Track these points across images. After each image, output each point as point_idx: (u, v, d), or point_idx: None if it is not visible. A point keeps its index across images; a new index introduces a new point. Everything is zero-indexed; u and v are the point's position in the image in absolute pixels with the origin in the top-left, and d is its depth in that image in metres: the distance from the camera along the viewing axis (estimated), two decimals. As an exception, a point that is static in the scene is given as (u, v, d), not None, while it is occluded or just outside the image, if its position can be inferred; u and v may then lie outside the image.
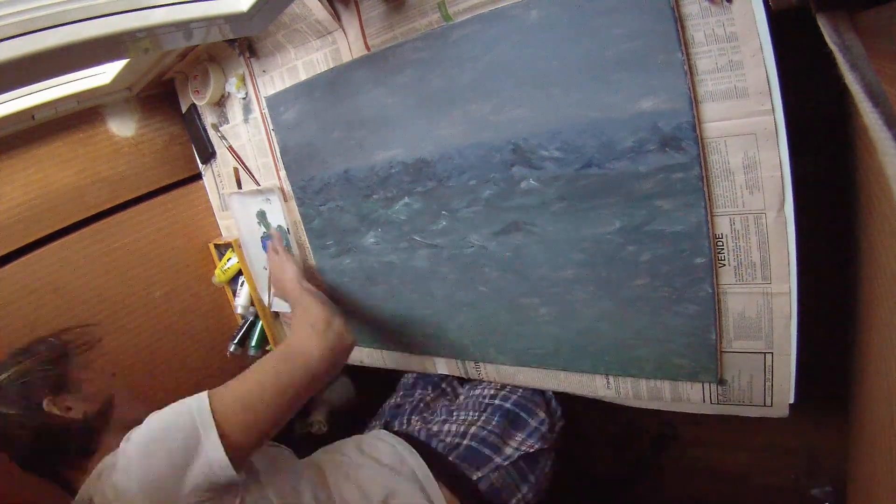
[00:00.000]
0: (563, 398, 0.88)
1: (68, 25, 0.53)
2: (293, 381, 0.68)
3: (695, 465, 1.20)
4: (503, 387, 0.89)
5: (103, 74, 0.98)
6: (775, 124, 0.53)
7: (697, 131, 0.56)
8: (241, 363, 1.25)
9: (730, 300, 0.62)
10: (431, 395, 1.03)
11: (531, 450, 0.80)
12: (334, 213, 0.95)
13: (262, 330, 1.23)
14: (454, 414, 0.88)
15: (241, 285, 1.24)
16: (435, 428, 0.86)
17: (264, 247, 1.12)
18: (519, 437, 0.81)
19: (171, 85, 1.19)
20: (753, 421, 0.67)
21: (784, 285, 0.58)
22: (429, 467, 0.77)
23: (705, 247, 0.60)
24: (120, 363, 1.11)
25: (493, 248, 0.77)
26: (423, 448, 0.81)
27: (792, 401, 0.63)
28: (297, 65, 0.90)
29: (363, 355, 1.08)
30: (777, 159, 0.54)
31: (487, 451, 0.79)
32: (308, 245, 1.04)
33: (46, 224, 1.05)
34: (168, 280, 1.20)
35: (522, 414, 0.83)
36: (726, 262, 0.60)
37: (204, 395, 0.64)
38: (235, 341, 1.24)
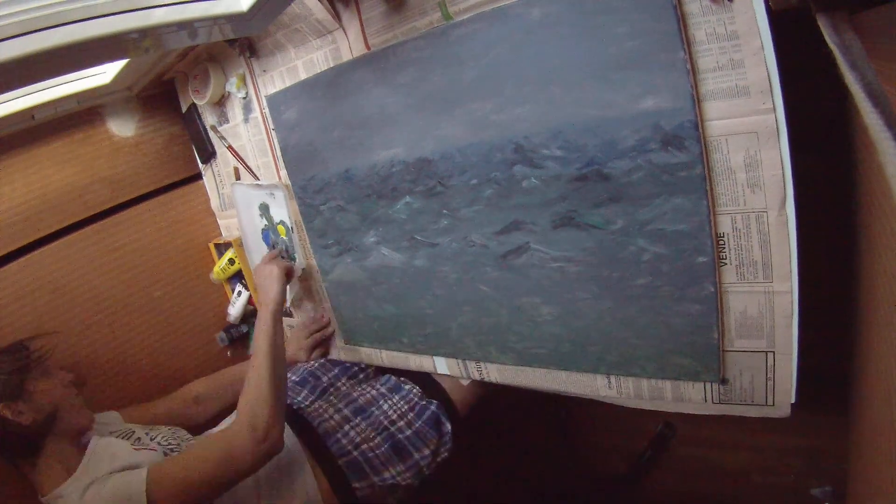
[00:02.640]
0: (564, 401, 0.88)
1: (68, 25, 0.53)
2: (225, 479, 0.76)
3: (695, 465, 1.20)
4: (406, 413, 0.97)
5: (103, 74, 0.98)
6: (776, 123, 0.53)
7: (699, 130, 0.56)
8: (240, 357, 1.26)
9: (731, 299, 0.62)
10: (347, 383, 1.09)
11: (403, 483, 0.92)
12: (335, 213, 0.95)
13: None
14: (356, 418, 0.96)
15: (238, 294, 1.24)
16: (333, 423, 0.95)
17: (265, 239, 1.12)
18: (400, 467, 0.92)
19: (171, 85, 1.19)
20: (753, 421, 0.67)
21: (785, 284, 0.58)
22: (318, 465, 0.89)
23: (707, 246, 0.60)
24: (120, 362, 1.11)
25: (495, 248, 0.77)
26: (317, 444, 0.91)
27: (793, 400, 0.63)
28: (297, 64, 0.90)
29: (363, 355, 1.08)
30: (778, 158, 0.54)
31: (368, 470, 0.90)
32: (309, 244, 1.04)
33: (46, 224, 1.05)
34: (168, 280, 1.20)
35: (410, 448, 0.94)
36: (728, 261, 0.60)
37: (143, 474, 0.71)
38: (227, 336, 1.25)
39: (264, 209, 1.09)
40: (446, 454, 0.97)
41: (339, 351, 1.13)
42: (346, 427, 0.94)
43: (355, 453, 0.91)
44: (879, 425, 0.49)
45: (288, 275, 0.99)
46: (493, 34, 0.66)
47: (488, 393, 1.06)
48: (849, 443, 0.76)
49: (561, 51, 0.61)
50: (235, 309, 1.24)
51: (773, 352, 0.62)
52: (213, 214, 1.28)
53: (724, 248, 0.60)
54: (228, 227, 1.26)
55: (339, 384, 1.09)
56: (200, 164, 1.24)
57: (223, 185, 1.21)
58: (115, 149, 1.14)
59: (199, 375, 1.07)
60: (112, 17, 0.56)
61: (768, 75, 0.52)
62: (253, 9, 0.65)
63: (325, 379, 1.09)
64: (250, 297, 1.23)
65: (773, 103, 0.52)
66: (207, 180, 1.25)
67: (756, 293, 0.60)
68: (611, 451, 1.34)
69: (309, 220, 1.00)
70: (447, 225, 0.81)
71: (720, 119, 0.55)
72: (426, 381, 1.02)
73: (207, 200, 1.27)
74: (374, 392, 1.01)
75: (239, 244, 1.18)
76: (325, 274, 1.04)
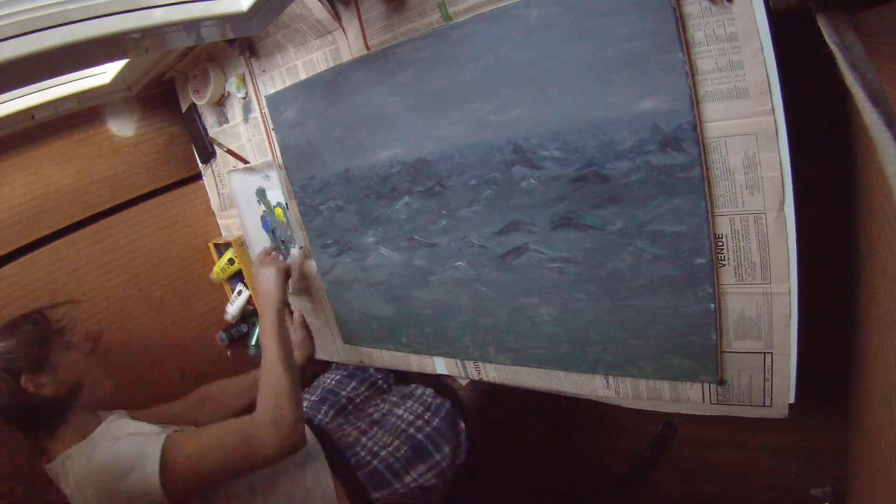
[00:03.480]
0: (564, 404, 0.88)
1: (68, 25, 0.54)
2: (243, 464, 0.76)
3: (695, 465, 1.20)
4: (423, 414, 0.97)
5: (103, 74, 0.98)
6: (775, 124, 0.53)
7: (698, 131, 0.56)
8: (240, 357, 1.26)
9: (730, 300, 0.62)
10: (364, 394, 1.09)
11: (427, 484, 0.90)
12: (334, 213, 0.95)
13: (262, 330, 1.24)
14: (373, 428, 0.96)
15: (239, 294, 1.24)
16: (352, 438, 0.95)
17: (264, 226, 1.12)
18: (421, 468, 0.91)
19: (171, 85, 1.19)
20: (753, 421, 0.67)
21: (784, 285, 0.58)
22: (337, 478, 0.86)
23: (706, 247, 0.60)
24: (119, 362, 1.11)
25: (493, 248, 0.77)
26: (336, 458, 0.89)
27: (791, 401, 0.63)
28: (297, 64, 0.90)
29: (362, 355, 1.08)
30: (777, 159, 0.54)
31: (389, 477, 0.88)
32: (308, 244, 1.04)
33: (46, 224, 1.05)
34: (168, 280, 1.20)
35: (430, 447, 0.93)
36: (726, 262, 0.60)
37: (162, 437, 0.72)
38: (227, 336, 1.25)
39: (261, 194, 1.09)
40: (463, 456, 0.96)
41: (339, 351, 1.13)
42: (364, 439, 0.93)
43: (375, 462, 0.89)
44: (879, 425, 0.49)
45: (287, 273, 0.98)
46: (493, 35, 0.66)
47: (495, 393, 1.06)
48: (848, 443, 0.76)
49: (560, 52, 0.61)
50: (234, 307, 1.24)
51: (772, 353, 0.62)
52: (213, 214, 1.29)
53: (722, 249, 0.60)
54: (228, 227, 1.26)
55: (357, 399, 1.08)
56: (200, 164, 1.24)
57: (223, 185, 1.21)
58: (114, 149, 1.14)
59: (199, 375, 1.07)
60: (112, 17, 0.56)
61: (767, 77, 0.52)
62: (253, 9, 0.65)
63: (343, 394, 1.09)
64: (250, 296, 1.23)
65: (773, 105, 0.52)
66: (207, 180, 1.26)
67: (754, 294, 0.60)
68: (611, 451, 1.34)
69: (308, 219, 1.01)
70: (446, 225, 0.81)
71: (719, 121, 0.55)
72: (437, 384, 1.02)
73: (207, 200, 1.28)
74: (386, 405, 1.01)
75: (239, 244, 1.18)
76: (325, 273, 1.04)
